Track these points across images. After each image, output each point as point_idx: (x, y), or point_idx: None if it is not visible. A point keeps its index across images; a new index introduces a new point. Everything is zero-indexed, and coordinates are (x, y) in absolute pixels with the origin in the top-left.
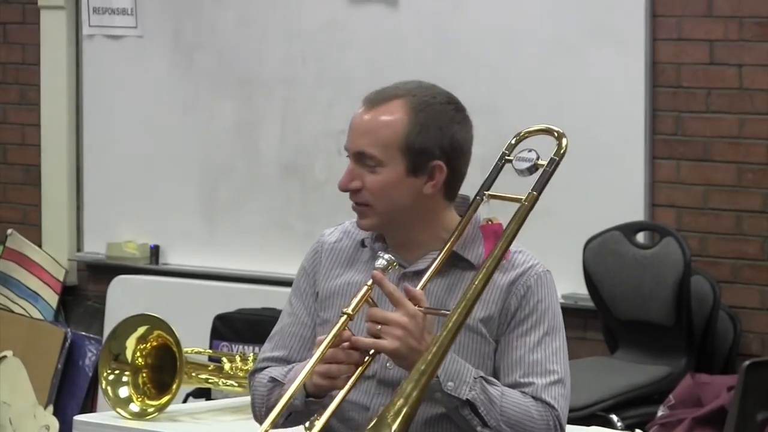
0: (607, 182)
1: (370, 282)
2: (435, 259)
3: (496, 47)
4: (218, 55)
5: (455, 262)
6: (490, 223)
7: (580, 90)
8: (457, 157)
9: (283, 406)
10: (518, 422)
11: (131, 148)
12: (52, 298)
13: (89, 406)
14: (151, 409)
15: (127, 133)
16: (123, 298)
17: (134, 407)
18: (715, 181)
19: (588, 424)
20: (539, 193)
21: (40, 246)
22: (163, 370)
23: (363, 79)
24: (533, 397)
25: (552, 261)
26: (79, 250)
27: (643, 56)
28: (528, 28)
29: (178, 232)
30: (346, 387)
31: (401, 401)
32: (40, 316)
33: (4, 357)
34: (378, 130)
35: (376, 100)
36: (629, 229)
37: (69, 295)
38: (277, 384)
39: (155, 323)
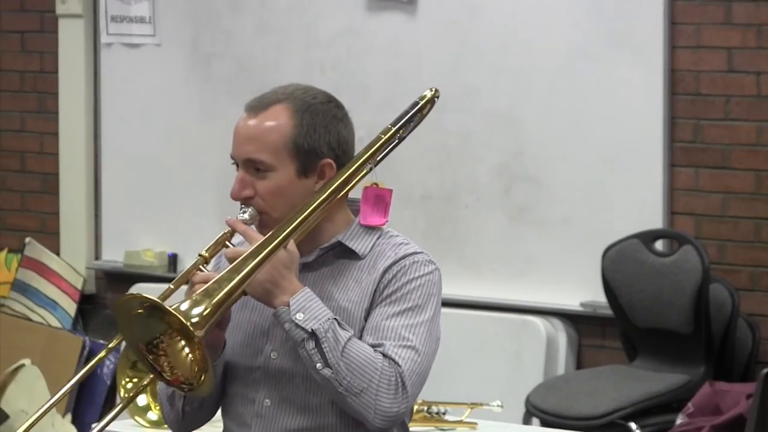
0: (626, 190)
1: (227, 229)
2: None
3: (514, 54)
4: (236, 62)
5: (343, 254)
6: (375, 186)
7: (599, 97)
8: (344, 153)
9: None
10: (359, 367)
11: (149, 156)
12: (71, 307)
13: (108, 414)
14: None
15: (145, 141)
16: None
17: (152, 415)
18: (734, 188)
19: None
20: (394, 127)
21: (58, 254)
22: None
23: (381, 87)
24: (382, 353)
25: (571, 269)
26: (97, 258)
27: (661, 64)
28: (547, 36)
29: (196, 240)
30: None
31: (215, 285)
32: (58, 325)
33: (23, 365)
34: (264, 136)
35: (259, 106)
36: (648, 237)
37: (87, 303)
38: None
39: None
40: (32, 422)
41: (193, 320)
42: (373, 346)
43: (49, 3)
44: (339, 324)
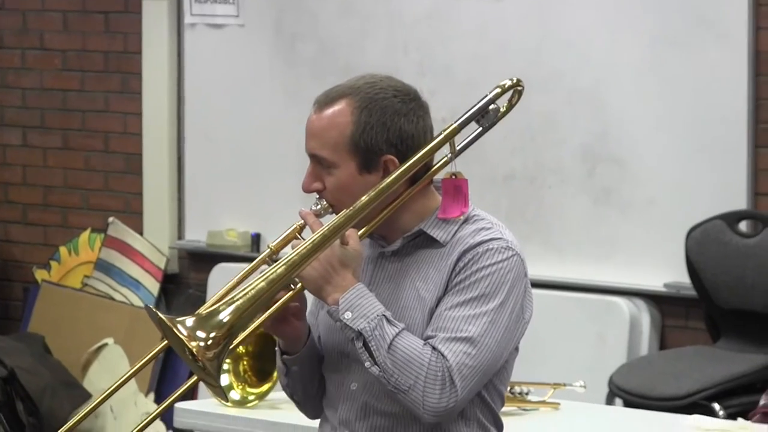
0: (710, 171)
1: (300, 221)
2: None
3: (599, 38)
4: (320, 44)
5: (425, 243)
6: (453, 177)
7: (683, 79)
8: (408, 148)
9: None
10: (406, 364)
11: (232, 137)
12: (154, 286)
13: (190, 393)
14: (251, 397)
15: (228, 122)
16: (224, 286)
17: (235, 395)
18: None
19: (690, 413)
20: (450, 128)
21: (141, 234)
22: (264, 358)
23: (465, 68)
24: (432, 347)
25: (654, 250)
26: (180, 238)
27: (746, 45)
28: (631, 19)
29: (279, 220)
30: (267, 312)
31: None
32: (141, 304)
33: (105, 345)
34: (325, 132)
35: (324, 101)
36: (732, 218)
37: (170, 283)
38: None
39: None
40: (106, 395)
41: (200, 343)
42: (428, 337)
43: None
44: (387, 320)
